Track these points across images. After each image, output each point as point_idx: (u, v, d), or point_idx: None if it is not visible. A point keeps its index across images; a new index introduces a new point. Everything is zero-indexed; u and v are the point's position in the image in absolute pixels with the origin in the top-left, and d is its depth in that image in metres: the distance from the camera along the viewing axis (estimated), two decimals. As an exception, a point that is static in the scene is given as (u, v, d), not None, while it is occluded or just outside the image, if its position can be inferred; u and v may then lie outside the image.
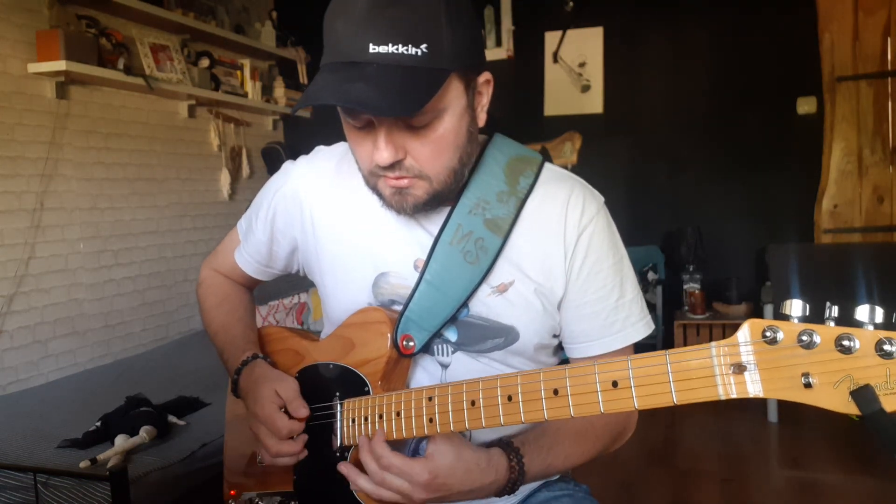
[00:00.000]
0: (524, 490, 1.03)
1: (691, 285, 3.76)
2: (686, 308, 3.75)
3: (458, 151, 0.86)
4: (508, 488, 0.87)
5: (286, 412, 0.94)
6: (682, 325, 3.71)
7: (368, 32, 0.75)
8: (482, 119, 0.90)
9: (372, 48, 0.75)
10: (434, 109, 0.80)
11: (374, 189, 0.89)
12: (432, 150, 0.83)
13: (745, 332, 0.65)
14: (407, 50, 0.75)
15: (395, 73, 0.75)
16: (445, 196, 0.89)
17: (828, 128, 3.59)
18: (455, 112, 0.83)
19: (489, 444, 0.89)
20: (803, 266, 3.44)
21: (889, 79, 3.49)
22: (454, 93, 0.82)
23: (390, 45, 0.75)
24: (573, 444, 0.94)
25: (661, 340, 3.78)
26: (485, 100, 0.89)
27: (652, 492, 2.61)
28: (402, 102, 0.75)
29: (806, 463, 2.76)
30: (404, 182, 0.84)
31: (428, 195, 0.86)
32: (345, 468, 0.88)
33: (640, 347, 0.98)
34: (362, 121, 0.82)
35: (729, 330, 3.65)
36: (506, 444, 0.88)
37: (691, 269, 3.77)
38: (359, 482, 0.86)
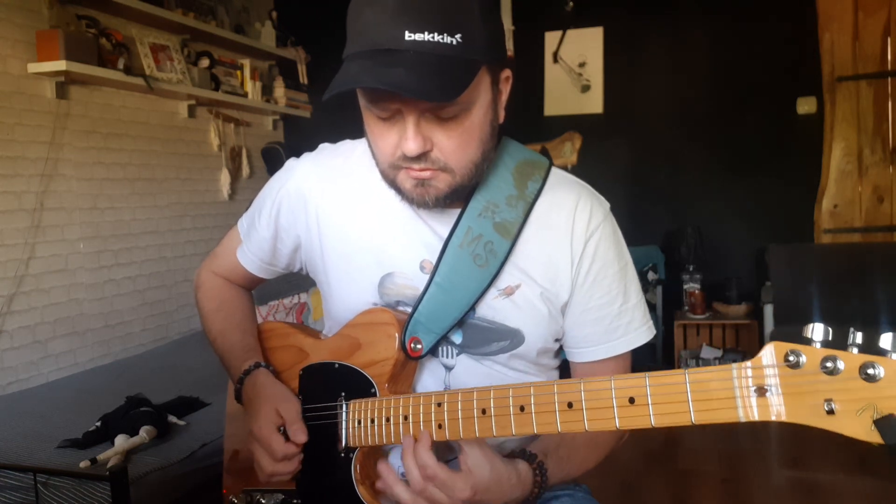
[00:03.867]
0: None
1: (691, 285, 3.76)
2: (686, 308, 3.75)
3: (482, 146, 0.86)
4: (531, 500, 0.88)
5: (284, 433, 0.93)
6: (682, 325, 3.71)
7: (404, 20, 0.75)
8: (501, 116, 0.90)
9: (408, 35, 0.75)
10: (464, 101, 0.81)
11: (393, 182, 0.88)
12: (459, 143, 0.83)
13: (769, 355, 0.64)
14: (443, 39, 0.75)
15: (433, 61, 0.75)
16: (464, 190, 0.89)
17: (828, 128, 3.59)
18: (482, 105, 0.84)
19: (511, 454, 0.90)
20: (803, 266, 3.45)
21: (889, 79, 3.49)
22: (483, 86, 0.83)
23: (426, 33, 0.75)
24: (587, 451, 0.96)
25: (661, 340, 3.78)
26: (504, 97, 0.90)
27: (652, 492, 2.61)
28: (442, 88, 0.75)
29: (806, 463, 2.76)
30: (427, 174, 0.84)
31: (450, 188, 0.86)
32: (384, 468, 0.87)
33: (640, 348, 0.99)
34: (389, 111, 0.81)
35: (729, 330, 3.68)
36: (530, 456, 0.89)
37: (691, 269, 3.76)
38: (396, 489, 0.84)
